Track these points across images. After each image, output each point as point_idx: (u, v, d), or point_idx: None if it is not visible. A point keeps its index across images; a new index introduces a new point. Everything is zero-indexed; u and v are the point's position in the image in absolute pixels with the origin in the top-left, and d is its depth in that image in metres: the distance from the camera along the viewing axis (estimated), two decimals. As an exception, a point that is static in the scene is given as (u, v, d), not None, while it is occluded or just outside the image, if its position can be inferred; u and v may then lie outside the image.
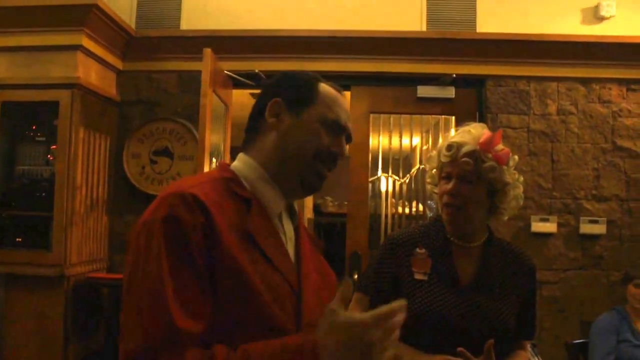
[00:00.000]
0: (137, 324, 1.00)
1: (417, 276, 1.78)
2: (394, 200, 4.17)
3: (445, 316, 1.71)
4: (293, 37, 3.98)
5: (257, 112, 1.30)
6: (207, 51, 3.53)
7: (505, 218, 1.85)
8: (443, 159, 1.78)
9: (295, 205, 1.37)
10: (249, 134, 1.31)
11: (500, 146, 1.77)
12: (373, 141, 4.12)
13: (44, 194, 3.75)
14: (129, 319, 1.02)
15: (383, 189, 4.22)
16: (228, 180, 1.21)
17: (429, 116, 4.16)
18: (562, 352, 3.46)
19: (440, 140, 1.90)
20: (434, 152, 1.88)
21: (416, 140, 4.30)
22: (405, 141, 4.20)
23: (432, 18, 4.08)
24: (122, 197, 4.16)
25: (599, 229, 3.94)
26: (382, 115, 4.17)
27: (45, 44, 3.72)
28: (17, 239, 3.75)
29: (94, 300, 3.97)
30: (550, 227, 3.95)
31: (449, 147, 1.77)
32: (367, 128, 4.10)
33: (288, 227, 1.29)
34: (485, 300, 1.74)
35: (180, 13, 4.20)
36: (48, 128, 3.81)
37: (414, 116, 4.12)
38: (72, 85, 3.70)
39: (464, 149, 1.73)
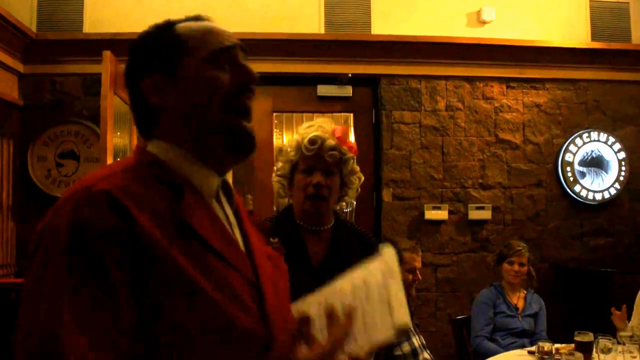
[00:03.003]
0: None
1: None
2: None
3: (300, 296, 1.68)
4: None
5: (138, 101, 0.95)
6: (107, 54, 3.26)
7: (345, 204, 1.94)
8: (307, 152, 1.73)
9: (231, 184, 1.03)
10: (144, 126, 0.96)
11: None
12: (277, 139, 3.98)
13: (-59, 201, 3.39)
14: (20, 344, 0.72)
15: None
16: (148, 165, 0.89)
17: (329, 114, 4.05)
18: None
19: (295, 135, 1.81)
20: (287, 147, 1.83)
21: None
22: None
23: (329, 21, 3.95)
24: (29, 202, 3.81)
25: (485, 214, 3.97)
26: (284, 114, 4.02)
27: (-64, 46, 3.35)
28: None
29: (1, 305, 3.63)
30: (442, 214, 3.94)
31: (313, 141, 1.72)
32: (270, 126, 3.94)
33: (229, 211, 0.97)
34: (335, 278, 1.73)
35: (83, 16, 3.87)
36: (-57, 133, 3.45)
37: (314, 114, 4.01)
38: (-34, 89, 3.35)
39: (328, 143, 1.72)
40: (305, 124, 1.82)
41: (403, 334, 1.04)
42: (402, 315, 1.01)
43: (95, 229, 0.74)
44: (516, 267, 3.25)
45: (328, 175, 1.74)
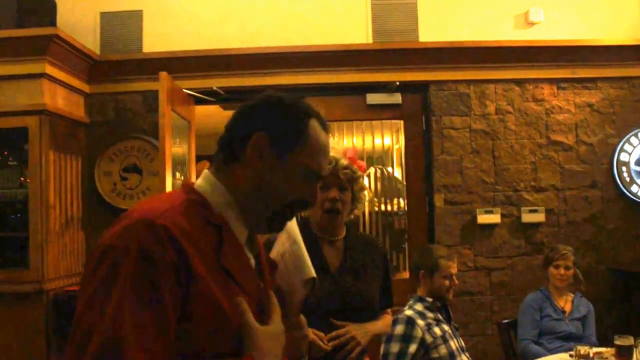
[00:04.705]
0: None
1: None
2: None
3: (324, 300, 1.77)
4: (247, 55, 3.75)
5: (239, 137, 1.04)
6: (163, 74, 3.29)
7: (352, 216, 2.00)
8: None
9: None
10: (223, 154, 1.06)
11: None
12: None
13: (19, 215, 3.49)
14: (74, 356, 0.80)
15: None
16: (196, 204, 0.99)
17: (379, 121, 3.98)
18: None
19: None
20: None
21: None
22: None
23: (376, 30, 3.86)
24: (97, 213, 3.89)
25: (539, 217, 3.79)
26: (335, 122, 3.95)
27: (12, 73, 3.42)
28: (-4, 259, 3.52)
29: (74, 311, 3.72)
30: (494, 218, 3.78)
31: (329, 161, 1.83)
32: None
33: (250, 256, 1.10)
34: (353, 282, 1.85)
35: (142, 37, 3.93)
36: (19, 152, 3.54)
37: (364, 122, 3.94)
38: (39, 111, 3.42)
39: (341, 163, 1.84)
40: None
41: (312, 284, 1.27)
42: (309, 271, 1.19)
43: (159, 260, 0.86)
44: (562, 271, 3.17)
45: (342, 191, 1.85)
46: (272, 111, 1.05)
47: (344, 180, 1.84)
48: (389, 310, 2.03)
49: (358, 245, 1.94)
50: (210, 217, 0.99)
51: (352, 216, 1.97)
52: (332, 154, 1.80)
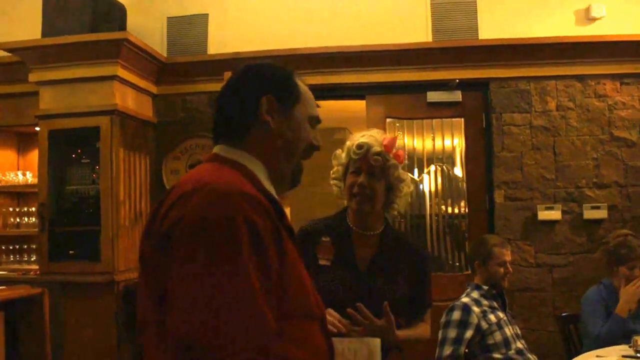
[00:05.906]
0: (231, 326, 0.83)
1: (322, 262, 1.80)
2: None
3: (344, 296, 1.69)
4: (311, 54, 3.76)
5: (247, 106, 1.11)
6: (228, 75, 3.34)
7: (396, 212, 1.90)
8: (354, 156, 1.80)
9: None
10: (235, 127, 1.11)
11: (395, 148, 1.83)
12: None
13: (91, 210, 3.59)
14: (213, 319, 0.83)
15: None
16: (249, 175, 1.05)
17: (439, 119, 3.92)
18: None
19: (348, 142, 1.88)
20: (340, 151, 1.90)
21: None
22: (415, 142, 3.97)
23: (436, 28, 3.83)
24: (163, 209, 3.97)
25: (601, 214, 3.67)
26: (396, 120, 3.92)
27: (85, 75, 3.55)
28: (70, 252, 3.62)
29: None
30: (555, 214, 3.69)
31: (360, 146, 1.79)
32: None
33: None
34: (379, 282, 1.75)
35: (207, 39, 4.00)
36: (92, 151, 3.64)
37: (425, 120, 3.90)
38: (110, 112, 3.53)
39: (373, 149, 1.77)
40: (360, 133, 1.87)
41: None
42: None
43: (262, 227, 0.91)
44: (637, 272, 2.81)
45: (372, 177, 1.77)
46: (269, 76, 1.14)
47: (375, 167, 1.76)
48: (427, 320, 1.88)
49: (394, 244, 1.83)
50: (261, 188, 1.03)
51: (395, 212, 1.88)
52: (366, 140, 1.79)
